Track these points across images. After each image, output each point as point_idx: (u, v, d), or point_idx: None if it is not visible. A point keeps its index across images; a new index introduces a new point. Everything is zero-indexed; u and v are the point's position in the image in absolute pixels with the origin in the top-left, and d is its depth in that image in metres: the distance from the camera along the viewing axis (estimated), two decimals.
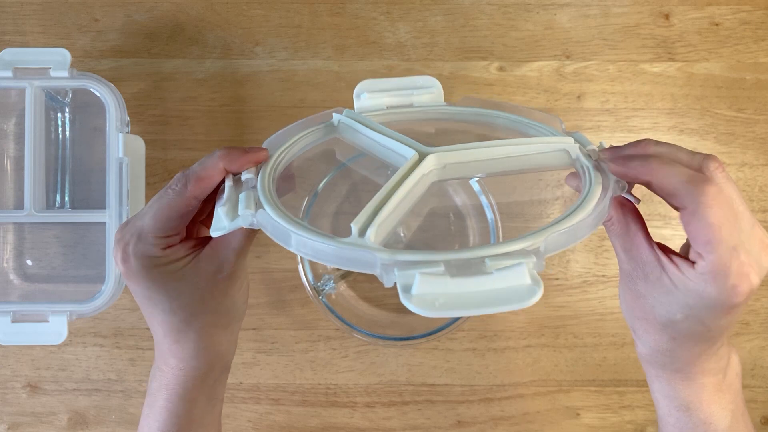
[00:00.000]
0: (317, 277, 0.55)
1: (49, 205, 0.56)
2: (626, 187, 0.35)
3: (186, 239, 0.38)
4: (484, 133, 0.45)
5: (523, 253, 0.30)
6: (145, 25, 0.59)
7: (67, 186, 0.57)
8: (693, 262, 0.32)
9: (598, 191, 0.34)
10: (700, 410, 0.37)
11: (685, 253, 0.35)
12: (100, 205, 0.51)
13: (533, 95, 0.58)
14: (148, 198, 0.55)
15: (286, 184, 0.41)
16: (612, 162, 0.35)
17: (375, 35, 0.59)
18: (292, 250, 0.32)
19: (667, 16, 0.59)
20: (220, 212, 0.35)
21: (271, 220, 0.33)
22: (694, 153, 0.33)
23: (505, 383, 0.57)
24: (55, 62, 0.51)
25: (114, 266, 0.50)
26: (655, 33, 0.59)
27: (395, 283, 0.29)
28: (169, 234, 0.36)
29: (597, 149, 0.38)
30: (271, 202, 0.34)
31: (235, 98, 0.58)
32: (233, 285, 0.39)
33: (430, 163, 0.37)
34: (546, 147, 0.38)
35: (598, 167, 0.37)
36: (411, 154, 0.37)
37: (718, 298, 0.32)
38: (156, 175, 0.58)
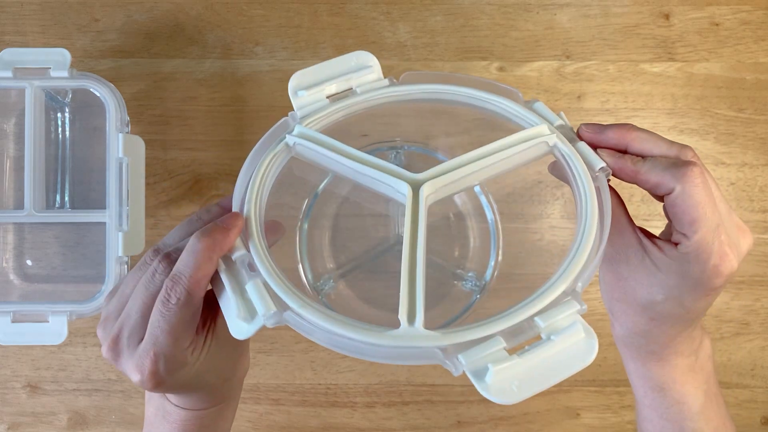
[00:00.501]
0: (317, 276, 0.55)
1: (49, 205, 0.56)
2: (610, 173, 0.36)
3: (199, 331, 0.35)
4: (442, 110, 0.43)
5: (562, 298, 0.31)
6: (145, 25, 0.59)
7: (67, 186, 0.57)
8: (676, 244, 0.33)
9: (593, 198, 0.34)
10: (673, 390, 0.38)
11: (665, 237, 0.36)
12: (100, 205, 0.51)
13: (533, 95, 0.58)
14: (148, 198, 0.55)
15: (274, 236, 0.39)
16: (608, 160, 0.35)
17: (375, 35, 0.59)
18: (331, 348, 0.31)
19: (667, 16, 0.59)
20: (238, 320, 0.31)
21: (303, 323, 0.31)
22: (672, 143, 0.35)
23: None
24: (55, 62, 0.51)
25: (114, 266, 0.50)
26: (655, 33, 0.59)
27: (464, 372, 0.29)
28: (190, 342, 0.34)
29: (564, 123, 0.38)
30: (291, 293, 0.31)
31: (235, 98, 0.58)
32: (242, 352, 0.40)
33: (427, 192, 0.36)
34: (528, 145, 0.37)
35: (577, 152, 0.36)
36: (404, 188, 0.35)
37: (699, 278, 0.33)
38: (156, 175, 0.58)
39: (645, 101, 0.58)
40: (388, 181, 0.36)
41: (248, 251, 0.33)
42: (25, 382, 0.57)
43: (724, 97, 0.58)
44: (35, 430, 0.57)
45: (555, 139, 0.37)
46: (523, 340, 0.30)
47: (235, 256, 0.33)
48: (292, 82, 0.41)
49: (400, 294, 0.31)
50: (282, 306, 0.31)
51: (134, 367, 0.33)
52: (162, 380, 0.33)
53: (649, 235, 0.36)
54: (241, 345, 0.39)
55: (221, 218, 0.34)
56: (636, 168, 0.34)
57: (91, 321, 0.57)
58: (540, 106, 0.39)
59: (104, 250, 0.51)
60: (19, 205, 0.53)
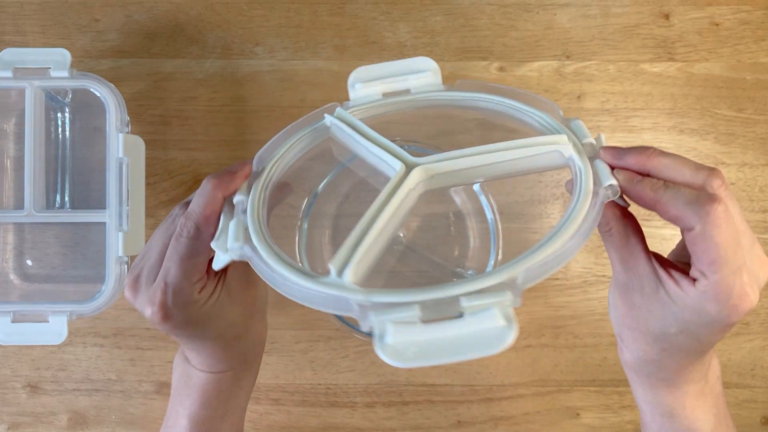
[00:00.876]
0: None
1: (49, 205, 0.56)
2: (619, 193, 0.34)
3: (208, 271, 0.38)
4: (483, 120, 0.44)
5: (499, 288, 0.29)
6: (145, 25, 0.59)
7: (67, 186, 0.57)
8: (693, 279, 0.32)
9: (584, 209, 0.33)
10: (683, 416, 0.37)
11: (675, 259, 0.35)
12: (100, 205, 0.51)
13: None
14: (148, 198, 0.55)
15: (281, 194, 0.42)
16: (620, 178, 0.34)
17: (375, 35, 0.59)
18: (273, 288, 0.33)
19: (667, 16, 0.59)
20: (215, 247, 0.35)
21: (256, 258, 0.34)
22: (698, 167, 0.32)
23: (505, 383, 0.57)
24: (55, 62, 0.51)
25: (114, 266, 0.50)
26: (655, 33, 0.59)
27: (370, 328, 0.29)
28: (199, 278, 0.37)
29: (594, 142, 0.37)
30: (259, 232, 0.35)
31: (235, 98, 0.58)
32: (260, 284, 0.41)
33: (416, 176, 0.36)
34: (537, 150, 0.37)
35: (592, 166, 0.35)
36: (398, 165, 0.36)
37: (717, 316, 0.32)
38: (156, 175, 0.58)
39: (645, 101, 0.58)
40: (386, 158, 0.37)
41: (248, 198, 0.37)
42: (25, 382, 0.57)
43: (724, 97, 0.58)
44: (35, 430, 0.57)
45: (571, 151, 0.36)
46: (443, 315, 0.29)
47: (236, 200, 0.37)
48: (352, 76, 0.43)
49: (342, 247, 0.32)
50: (251, 245, 0.34)
51: (147, 301, 0.36)
52: (169, 312, 0.36)
53: (664, 265, 0.34)
54: (254, 306, 0.41)
55: (232, 165, 0.39)
56: (656, 196, 0.32)
57: (91, 321, 0.57)
58: (578, 124, 0.38)
59: (104, 250, 0.51)
60: (19, 205, 0.53)
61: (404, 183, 0.35)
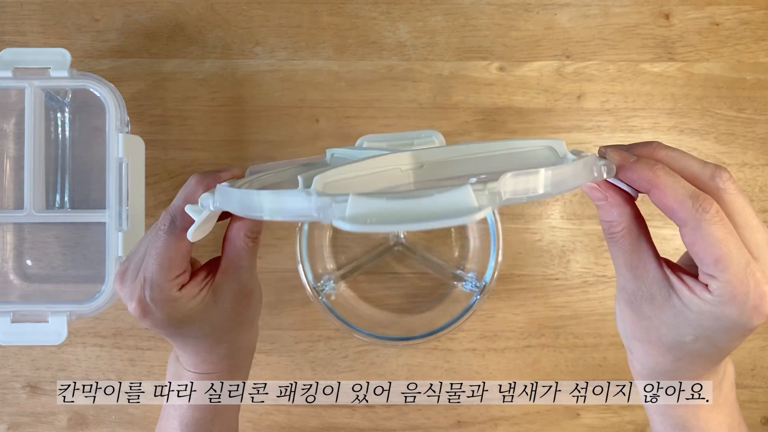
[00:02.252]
0: (317, 277, 0.55)
1: (49, 205, 0.56)
2: (614, 171, 0.32)
3: (195, 273, 0.38)
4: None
5: (476, 186, 0.27)
6: (145, 25, 0.59)
7: (67, 186, 0.57)
8: (705, 284, 0.30)
9: (579, 162, 0.31)
10: (696, 427, 0.36)
11: (684, 265, 0.34)
12: (100, 205, 0.51)
13: (533, 95, 0.58)
14: (148, 198, 0.55)
15: None
16: (615, 155, 0.32)
17: (375, 35, 0.59)
18: (238, 212, 0.31)
19: (667, 16, 0.59)
20: (188, 210, 0.35)
21: (223, 193, 0.33)
22: (705, 163, 0.31)
23: (505, 383, 0.57)
24: (55, 62, 0.51)
25: (114, 266, 0.50)
26: (655, 33, 0.59)
27: (333, 220, 0.27)
28: (177, 274, 0.36)
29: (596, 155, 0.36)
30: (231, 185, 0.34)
31: (235, 98, 0.58)
32: (252, 296, 0.41)
33: (405, 158, 0.34)
34: (531, 144, 0.35)
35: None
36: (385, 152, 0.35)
37: (737, 321, 0.30)
38: (156, 175, 0.58)
39: (645, 101, 0.58)
40: (380, 154, 0.35)
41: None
42: (25, 382, 0.57)
43: (724, 97, 0.58)
44: (35, 430, 0.57)
45: (566, 150, 0.34)
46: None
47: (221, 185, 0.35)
48: (360, 138, 0.42)
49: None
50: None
51: (129, 294, 0.36)
52: (147, 307, 0.35)
53: (675, 270, 0.32)
54: (243, 314, 0.40)
55: (222, 166, 0.39)
56: (655, 177, 0.30)
57: (91, 321, 0.57)
58: (587, 154, 0.37)
59: (104, 250, 0.51)
60: (19, 205, 0.53)
61: (392, 155, 0.33)
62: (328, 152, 0.41)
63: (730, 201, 0.31)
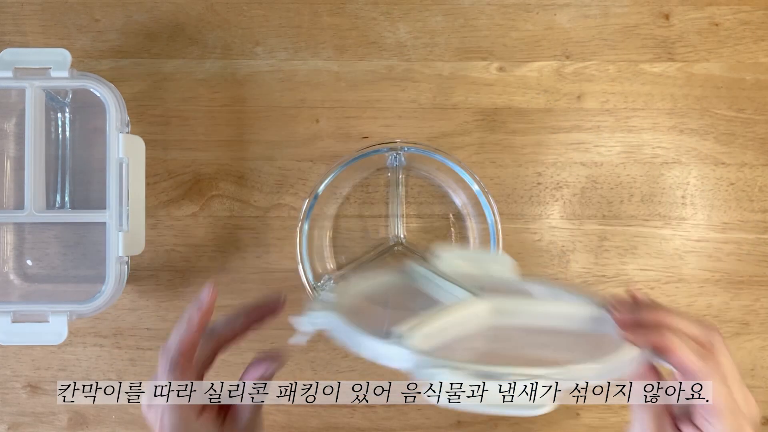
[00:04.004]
0: (317, 277, 0.55)
1: (49, 205, 0.56)
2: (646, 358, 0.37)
3: (211, 410, 0.41)
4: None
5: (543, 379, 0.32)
6: (145, 25, 0.59)
7: (67, 186, 0.57)
8: (700, 430, 0.36)
9: (629, 355, 0.36)
10: None
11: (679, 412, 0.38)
12: (100, 205, 0.51)
13: (533, 95, 0.58)
14: (148, 198, 0.55)
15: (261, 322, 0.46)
16: (627, 331, 0.37)
17: (375, 35, 0.59)
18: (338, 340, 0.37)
19: (667, 16, 0.59)
20: (296, 323, 0.39)
21: (335, 324, 0.37)
22: (702, 326, 0.37)
23: None
24: (55, 62, 0.51)
25: (114, 266, 0.50)
26: (655, 33, 0.59)
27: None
28: (200, 410, 0.40)
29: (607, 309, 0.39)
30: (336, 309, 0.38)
31: (235, 98, 0.58)
32: (256, 429, 0.43)
33: (484, 306, 0.39)
34: (580, 311, 0.40)
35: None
36: (467, 295, 0.40)
37: None
38: (156, 175, 0.58)
39: (645, 101, 0.58)
40: (454, 291, 0.41)
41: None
42: (25, 382, 0.57)
43: (724, 97, 0.58)
44: (35, 430, 0.57)
45: (605, 315, 0.39)
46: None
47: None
48: (435, 248, 0.47)
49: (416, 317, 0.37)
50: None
51: (153, 422, 0.40)
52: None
53: (682, 425, 0.37)
54: (255, 425, 0.43)
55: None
56: (671, 344, 0.35)
57: (91, 321, 0.57)
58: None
59: (104, 250, 0.51)
60: (19, 205, 0.53)
61: (474, 305, 0.39)
62: (407, 263, 0.45)
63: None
